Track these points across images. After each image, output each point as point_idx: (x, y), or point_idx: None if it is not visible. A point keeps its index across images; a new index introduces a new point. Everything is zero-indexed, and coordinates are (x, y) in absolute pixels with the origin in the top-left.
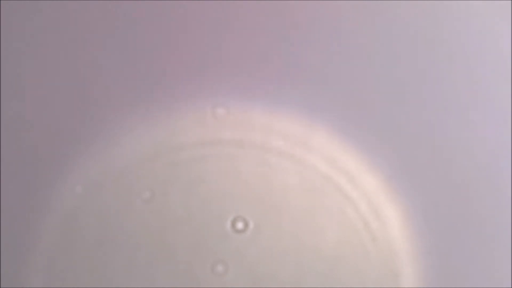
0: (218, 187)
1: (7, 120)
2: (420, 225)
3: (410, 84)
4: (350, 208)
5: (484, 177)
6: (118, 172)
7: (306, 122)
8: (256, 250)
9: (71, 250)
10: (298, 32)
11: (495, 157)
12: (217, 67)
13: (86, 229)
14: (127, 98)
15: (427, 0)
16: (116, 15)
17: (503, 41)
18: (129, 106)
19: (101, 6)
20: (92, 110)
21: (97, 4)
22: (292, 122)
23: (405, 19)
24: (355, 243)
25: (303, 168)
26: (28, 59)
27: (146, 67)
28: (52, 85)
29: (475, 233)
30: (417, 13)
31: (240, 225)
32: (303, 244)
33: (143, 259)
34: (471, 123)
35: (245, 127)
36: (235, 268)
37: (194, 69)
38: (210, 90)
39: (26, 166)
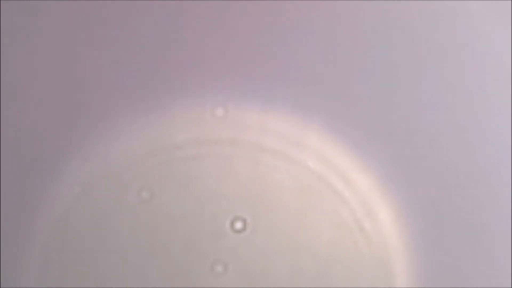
0: (214, 186)
1: (3, 120)
2: (414, 224)
3: (404, 84)
4: (344, 208)
5: (479, 176)
6: (115, 171)
7: (300, 122)
8: (253, 250)
9: (67, 249)
10: (293, 32)
11: (491, 156)
12: (213, 67)
13: (83, 228)
14: (124, 97)
15: (424, 0)
16: (113, 14)
17: (502, 42)
18: (125, 105)
19: (99, 5)
20: (89, 109)
21: (95, 4)
22: (287, 122)
23: (398, 18)
24: (349, 243)
25: (298, 168)
26: (25, 59)
27: (143, 67)
28: (49, 84)
29: (470, 233)
30: (411, 12)
31: (238, 224)
32: (298, 243)
33: (141, 259)
34: (465, 122)
35: (240, 127)
36: (234, 268)
37: (190, 69)
38: (205, 89)
39: (22, 166)
